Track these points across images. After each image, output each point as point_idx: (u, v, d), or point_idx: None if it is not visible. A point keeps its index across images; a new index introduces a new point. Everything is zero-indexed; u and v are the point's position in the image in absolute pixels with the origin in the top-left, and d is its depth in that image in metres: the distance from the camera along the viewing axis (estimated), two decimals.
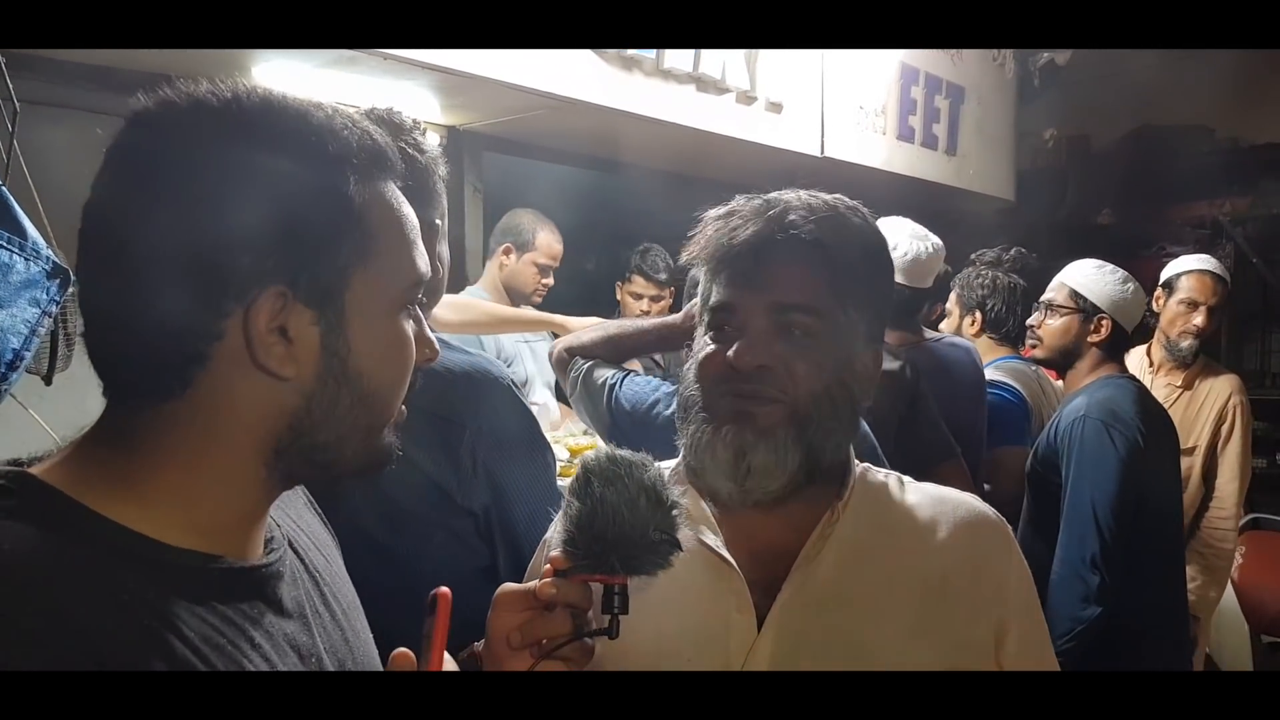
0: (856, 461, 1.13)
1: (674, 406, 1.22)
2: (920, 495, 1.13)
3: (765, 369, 1.03)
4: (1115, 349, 2.61)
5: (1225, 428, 3.47)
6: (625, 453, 0.92)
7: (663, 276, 3.99)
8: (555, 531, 1.19)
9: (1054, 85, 4.92)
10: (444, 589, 0.87)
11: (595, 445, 3.06)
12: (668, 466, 1.11)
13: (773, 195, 1.09)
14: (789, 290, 1.04)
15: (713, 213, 1.10)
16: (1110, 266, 2.64)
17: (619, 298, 4.14)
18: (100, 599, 0.65)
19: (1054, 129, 5.54)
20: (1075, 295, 2.63)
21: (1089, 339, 2.60)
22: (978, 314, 3.29)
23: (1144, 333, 2.97)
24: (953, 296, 3.38)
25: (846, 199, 1.12)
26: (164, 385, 0.72)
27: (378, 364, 0.77)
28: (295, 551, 0.87)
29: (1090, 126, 5.60)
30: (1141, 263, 2.71)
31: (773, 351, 1.03)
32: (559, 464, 2.63)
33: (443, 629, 0.86)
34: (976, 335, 3.29)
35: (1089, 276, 2.64)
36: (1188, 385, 3.53)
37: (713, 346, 1.07)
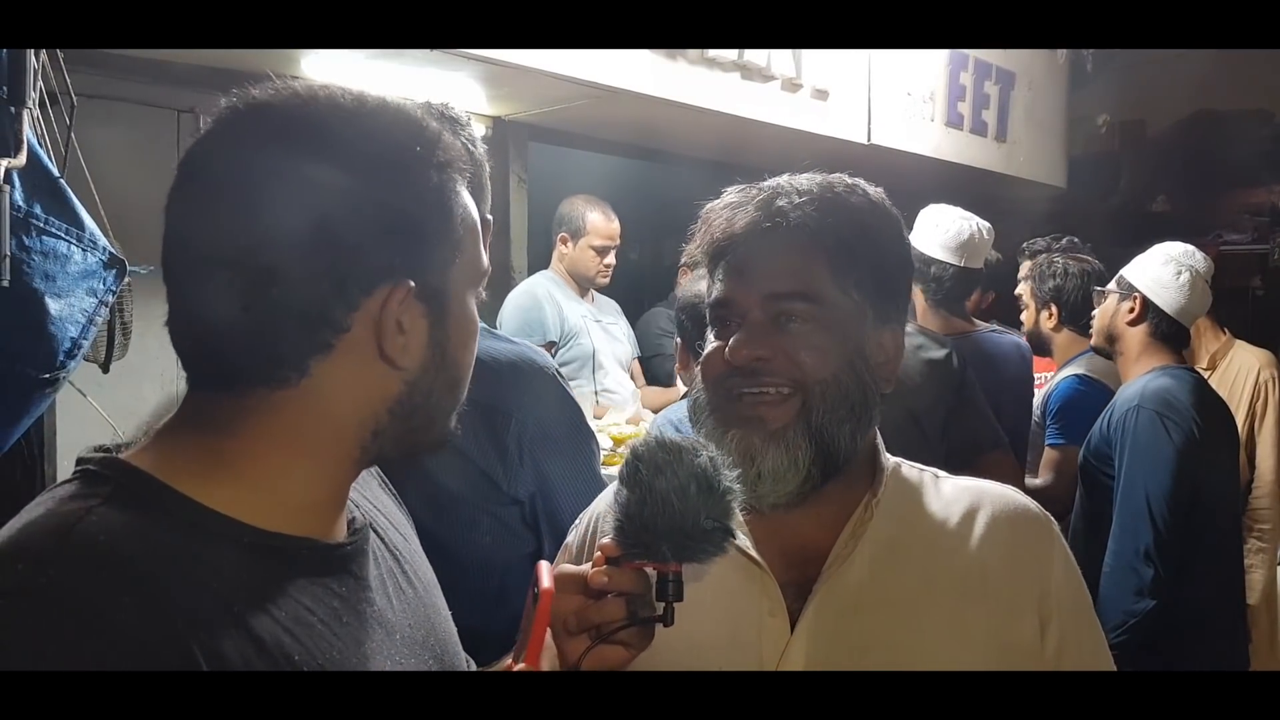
0: (889, 457, 1.09)
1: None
2: (956, 490, 1.08)
3: (762, 361, 0.99)
4: (1167, 337, 2.52)
5: (1260, 405, 3.38)
6: (676, 438, 0.90)
7: None
8: (585, 517, 1.19)
9: (1107, 69, 4.83)
10: (547, 585, 0.87)
11: (639, 433, 3.07)
12: None
13: (767, 182, 1.06)
14: (781, 279, 1.01)
15: (710, 206, 1.07)
16: (1166, 253, 2.55)
17: (682, 282, 4.13)
18: (192, 584, 0.67)
19: (1107, 114, 5.44)
20: (1120, 278, 2.60)
21: (1125, 320, 2.54)
22: (1053, 307, 3.12)
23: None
24: (1026, 289, 3.23)
25: (846, 177, 1.08)
26: (281, 375, 0.74)
27: (464, 351, 0.84)
28: (376, 532, 0.89)
29: (1145, 111, 5.48)
30: (1198, 250, 2.62)
31: (770, 343, 0.99)
32: (603, 452, 2.65)
33: (542, 624, 0.86)
34: (1056, 330, 3.13)
35: (1137, 259, 2.58)
36: (1211, 365, 3.44)
37: (714, 344, 1.04)
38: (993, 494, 1.08)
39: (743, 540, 1.03)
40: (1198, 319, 2.64)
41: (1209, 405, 2.42)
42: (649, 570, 0.88)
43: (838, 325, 1.01)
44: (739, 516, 0.90)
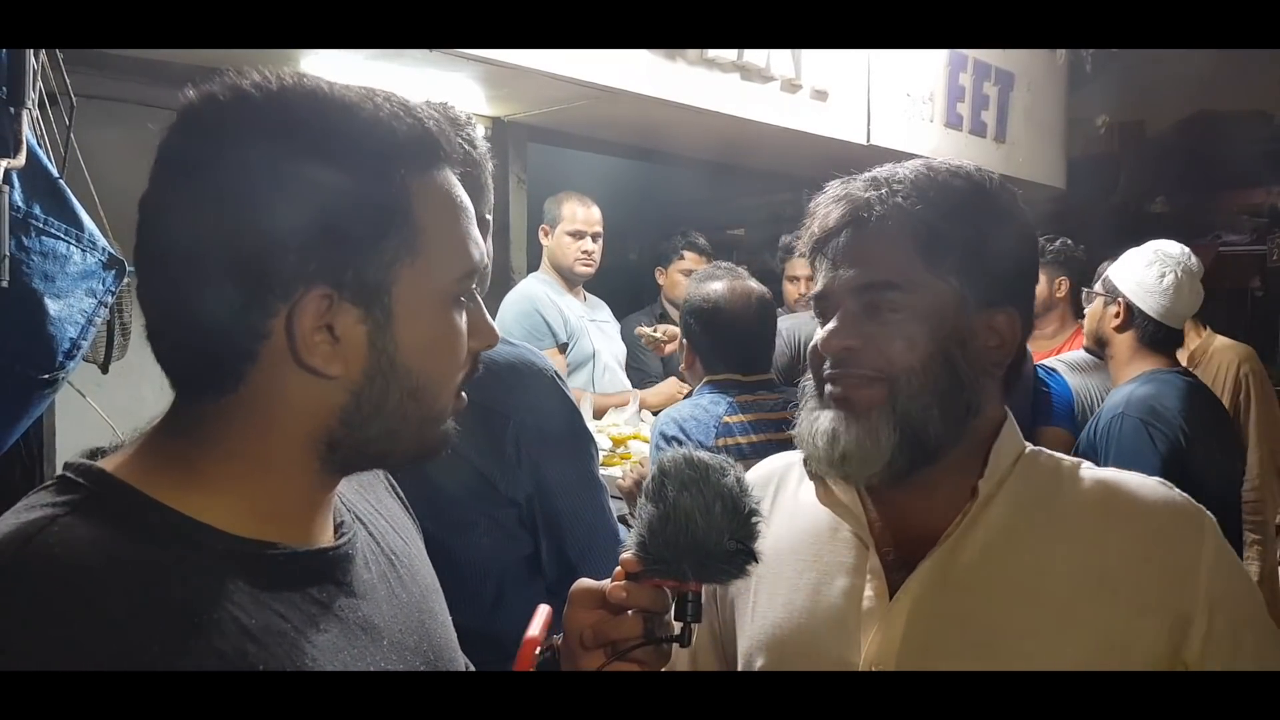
0: (1027, 444, 1.07)
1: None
2: (1095, 482, 1.04)
3: (851, 350, 1.01)
4: (1156, 341, 2.46)
5: (1243, 398, 3.38)
6: (704, 455, 0.89)
7: (709, 247, 4.09)
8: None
9: (1106, 70, 4.83)
10: (533, 634, 0.88)
11: (638, 434, 3.07)
12: (795, 457, 1.13)
13: (868, 173, 1.06)
14: (870, 268, 1.01)
15: (816, 200, 1.08)
16: (1151, 253, 2.48)
17: (661, 282, 4.17)
18: (152, 594, 0.65)
19: (1106, 115, 5.45)
20: (1105, 279, 2.55)
21: (1112, 326, 2.49)
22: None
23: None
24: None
25: (951, 161, 1.08)
26: (219, 381, 0.72)
27: (427, 358, 0.76)
28: (371, 535, 0.87)
29: (1144, 112, 5.49)
30: (1196, 251, 2.55)
31: (860, 332, 1.01)
32: (601, 453, 2.65)
33: (532, 644, 0.87)
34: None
35: (1121, 260, 2.52)
36: (1192, 363, 3.43)
37: (817, 335, 1.05)
38: (1134, 486, 1.04)
39: (851, 517, 1.06)
40: (1188, 318, 2.57)
41: (1198, 410, 2.36)
42: (668, 589, 0.87)
43: (931, 311, 1.00)
44: (762, 539, 0.88)
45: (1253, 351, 3.49)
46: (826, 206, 1.05)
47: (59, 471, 0.72)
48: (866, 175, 1.06)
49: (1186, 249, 2.50)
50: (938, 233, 1.00)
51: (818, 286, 1.06)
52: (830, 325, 1.03)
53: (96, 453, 0.75)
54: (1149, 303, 2.44)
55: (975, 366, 1.01)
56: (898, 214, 1.01)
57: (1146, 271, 2.46)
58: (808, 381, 1.07)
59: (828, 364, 1.03)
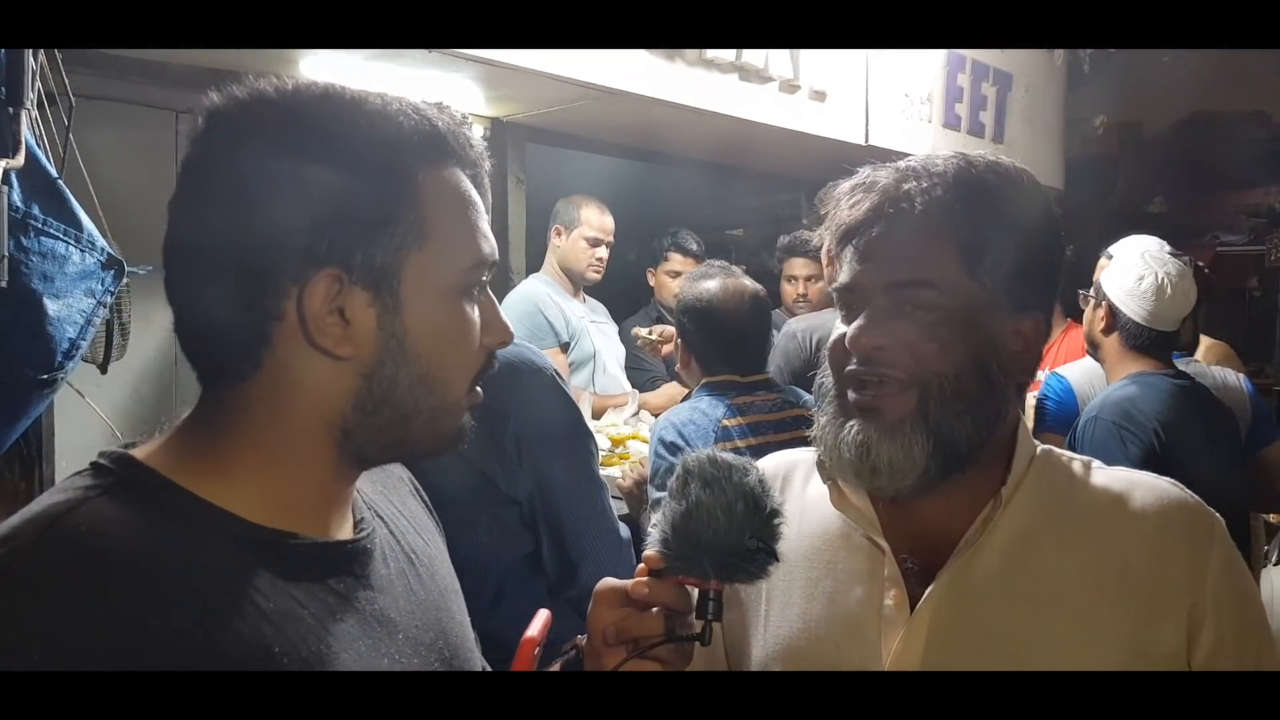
0: (1037, 444, 1.05)
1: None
2: (1107, 481, 1.03)
3: (881, 350, 0.96)
4: (1141, 343, 2.42)
5: None
6: (727, 455, 0.89)
7: (696, 248, 4.07)
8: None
9: (1104, 71, 4.84)
10: (531, 634, 0.89)
11: (637, 434, 3.07)
12: (808, 455, 1.10)
13: (901, 162, 1.02)
14: (905, 266, 0.97)
15: (841, 186, 1.04)
16: (1136, 256, 2.45)
17: (652, 283, 4.18)
18: (173, 575, 0.68)
19: (1104, 115, 5.46)
20: (1095, 281, 2.54)
21: (1099, 329, 2.47)
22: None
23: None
24: None
25: (987, 155, 1.04)
26: (237, 366, 0.75)
27: (437, 346, 0.79)
28: (392, 533, 0.89)
29: (1142, 113, 5.50)
30: (1195, 251, 2.52)
31: (891, 332, 0.96)
32: (600, 453, 2.66)
33: (530, 644, 0.88)
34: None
35: (1109, 262, 2.49)
36: None
37: (840, 330, 1.01)
38: (1146, 487, 1.02)
39: (867, 523, 1.03)
40: (1178, 319, 2.48)
41: (1182, 412, 2.32)
42: (689, 587, 0.87)
43: (965, 314, 0.96)
44: (782, 537, 0.89)
45: (1231, 350, 3.45)
46: (855, 195, 1.01)
47: (72, 468, 0.75)
48: (900, 164, 1.02)
49: (1165, 250, 2.44)
50: (979, 232, 0.97)
51: (843, 279, 1.01)
52: (858, 322, 0.98)
53: (131, 444, 0.78)
54: (1130, 306, 2.42)
55: (1005, 372, 0.98)
56: (938, 210, 0.96)
57: (1126, 275, 2.44)
58: (826, 378, 1.03)
59: (853, 361, 0.99)
